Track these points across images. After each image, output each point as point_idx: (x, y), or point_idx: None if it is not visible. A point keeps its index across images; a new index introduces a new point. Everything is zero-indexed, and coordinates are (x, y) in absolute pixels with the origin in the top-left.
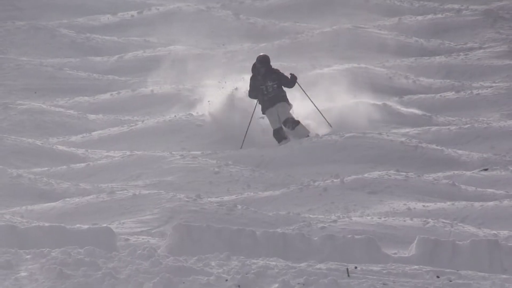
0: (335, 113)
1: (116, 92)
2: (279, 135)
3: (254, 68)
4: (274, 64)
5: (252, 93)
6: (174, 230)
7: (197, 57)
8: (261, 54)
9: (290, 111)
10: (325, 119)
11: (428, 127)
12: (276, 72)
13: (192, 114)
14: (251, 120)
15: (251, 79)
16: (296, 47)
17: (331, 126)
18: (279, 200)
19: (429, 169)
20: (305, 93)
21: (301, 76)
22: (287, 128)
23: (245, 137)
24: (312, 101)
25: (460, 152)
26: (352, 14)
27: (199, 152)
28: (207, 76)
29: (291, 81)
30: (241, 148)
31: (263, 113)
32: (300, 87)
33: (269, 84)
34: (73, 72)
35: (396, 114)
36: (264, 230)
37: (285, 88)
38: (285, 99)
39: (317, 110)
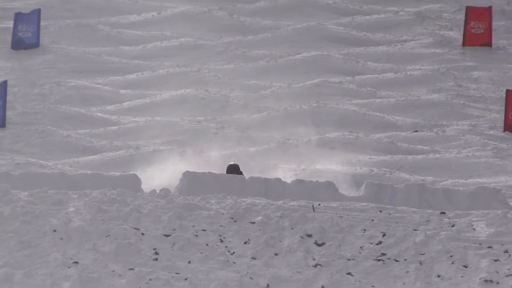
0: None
1: (140, 73)
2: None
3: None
4: (257, 53)
5: None
6: (184, 176)
7: (201, 46)
8: (231, 163)
9: None
10: None
11: (373, 99)
12: None
13: (197, 89)
14: None
15: None
16: (275, 39)
17: None
18: (262, 154)
19: (374, 131)
20: None
21: (279, 60)
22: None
23: None
24: None
25: (397, 118)
26: (317, 14)
27: (202, 118)
28: (208, 61)
29: None
30: None
31: None
32: None
33: None
34: (108, 58)
35: (349, 90)
36: (251, 176)
37: None
38: None
39: None
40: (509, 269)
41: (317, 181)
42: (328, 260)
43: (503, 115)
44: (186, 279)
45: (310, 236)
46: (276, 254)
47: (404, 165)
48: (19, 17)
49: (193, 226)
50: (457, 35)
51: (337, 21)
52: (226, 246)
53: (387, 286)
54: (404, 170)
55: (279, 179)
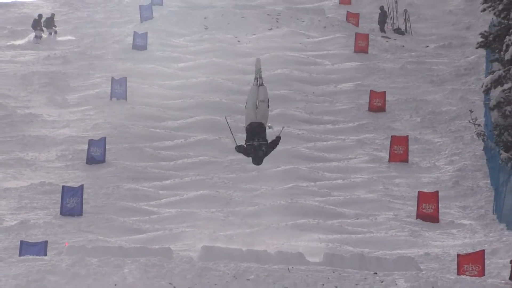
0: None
1: (173, 179)
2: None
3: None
4: (251, 166)
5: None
6: (202, 248)
7: (213, 162)
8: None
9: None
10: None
11: (328, 197)
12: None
13: (211, 191)
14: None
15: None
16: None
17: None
18: (255, 234)
19: (329, 218)
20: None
21: (265, 172)
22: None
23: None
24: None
25: (344, 210)
26: (291, 141)
27: (214, 210)
28: (218, 172)
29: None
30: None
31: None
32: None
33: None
34: (151, 170)
35: (313, 191)
36: (247, 248)
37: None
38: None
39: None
40: None
41: (291, 252)
42: None
43: (415, 208)
44: None
45: None
46: None
47: (349, 241)
48: (91, 142)
49: (208, 281)
50: (385, 154)
51: (304, 145)
52: None
53: None
54: (349, 245)
55: (265, 251)
